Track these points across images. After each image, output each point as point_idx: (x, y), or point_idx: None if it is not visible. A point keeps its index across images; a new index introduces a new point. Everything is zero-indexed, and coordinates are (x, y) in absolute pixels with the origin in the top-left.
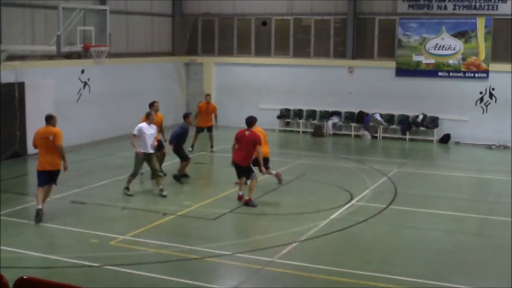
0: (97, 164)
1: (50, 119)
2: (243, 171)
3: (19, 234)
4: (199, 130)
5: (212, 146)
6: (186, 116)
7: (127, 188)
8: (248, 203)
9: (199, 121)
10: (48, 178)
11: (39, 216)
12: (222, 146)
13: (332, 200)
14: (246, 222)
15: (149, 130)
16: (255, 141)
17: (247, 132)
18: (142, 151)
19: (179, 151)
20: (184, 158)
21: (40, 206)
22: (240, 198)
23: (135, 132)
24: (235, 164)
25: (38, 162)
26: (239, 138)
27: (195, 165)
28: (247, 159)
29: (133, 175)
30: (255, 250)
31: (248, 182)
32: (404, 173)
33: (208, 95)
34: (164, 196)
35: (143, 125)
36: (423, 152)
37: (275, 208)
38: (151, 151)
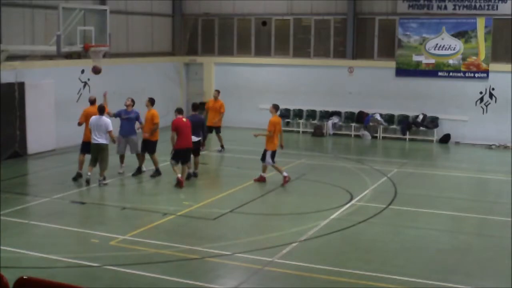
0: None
1: (94, 101)
2: (189, 153)
3: (19, 234)
4: (208, 130)
5: (222, 146)
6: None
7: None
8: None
9: (208, 119)
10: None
11: (77, 178)
12: (225, 146)
13: (332, 200)
14: (246, 222)
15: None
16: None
17: (184, 119)
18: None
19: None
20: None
21: (80, 171)
22: (182, 182)
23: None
24: (187, 149)
25: (84, 135)
26: (182, 126)
27: None
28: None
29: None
30: (255, 250)
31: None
32: (404, 173)
33: (216, 91)
34: (105, 185)
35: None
36: (423, 152)
37: (275, 208)
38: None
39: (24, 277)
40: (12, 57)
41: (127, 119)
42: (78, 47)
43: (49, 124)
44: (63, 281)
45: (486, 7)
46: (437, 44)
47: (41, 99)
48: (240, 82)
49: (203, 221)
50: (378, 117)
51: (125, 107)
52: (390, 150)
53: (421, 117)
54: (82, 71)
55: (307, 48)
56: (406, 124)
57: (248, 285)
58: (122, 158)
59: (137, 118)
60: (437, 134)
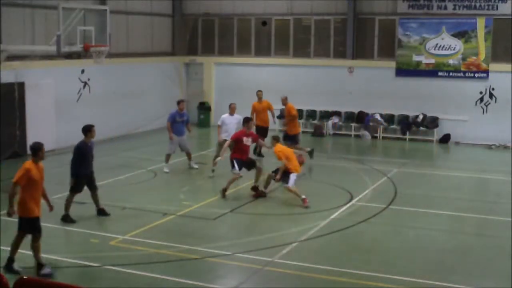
0: (97, 164)
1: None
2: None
3: None
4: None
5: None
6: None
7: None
8: None
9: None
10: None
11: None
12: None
13: (332, 200)
14: (246, 222)
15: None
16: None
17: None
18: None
19: None
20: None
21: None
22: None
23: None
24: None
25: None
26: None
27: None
28: None
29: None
30: (255, 250)
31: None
32: (404, 173)
33: (259, 91)
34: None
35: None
36: (423, 152)
37: (275, 208)
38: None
39: (24, 277)
40: (12, 57)
41: (181, 122)
42: (78, 47)
43: (49, 124)
44: (63, 281)
45: (486, 7)
46: (437, 44)
47: (41, 99)
48: (240, 82)
49: (203, 221)
50: (378, 117)
51: (177, 110)
52: (390, 150)
53: (421, 117)
54: (82, 71)
55: (307, 48)
56: (406, 124)
57: (248, 285)
58: (169, 157)
59: (188, 119)
60: (437, 134)
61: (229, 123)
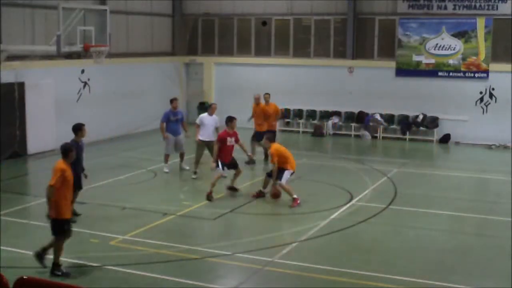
0: (97, 164)
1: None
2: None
3: (19, 234)
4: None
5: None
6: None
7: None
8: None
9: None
10: None
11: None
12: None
13: (332, 200)
14: (246, 222)
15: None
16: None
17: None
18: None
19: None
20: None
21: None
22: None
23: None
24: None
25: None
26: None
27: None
28: None
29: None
30: (255, 250)
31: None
32: (404, 173)
33: (266, 94)
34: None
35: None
36: (423, 152)
37: (275, 208)
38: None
39: (24, 277)
40: (12, 57)
41: (176, 121)
42: (78, 47)
43: (49, 124)
44: (63, 281)
45: (486, 7)
46: (437, 44)
47: (41, 99)
48: (240, 82)
49: (203, 221)
50: (378, 117)
51: (171, 109)
52: (390, 150)
53: (421, 117)
54: (82, 71)
55: (307, 48)
56: (406, 124)
57: (248, 285)
58: (168, 157)
59: (182, 118)
60: (437, 134)
61: (207, 123)
